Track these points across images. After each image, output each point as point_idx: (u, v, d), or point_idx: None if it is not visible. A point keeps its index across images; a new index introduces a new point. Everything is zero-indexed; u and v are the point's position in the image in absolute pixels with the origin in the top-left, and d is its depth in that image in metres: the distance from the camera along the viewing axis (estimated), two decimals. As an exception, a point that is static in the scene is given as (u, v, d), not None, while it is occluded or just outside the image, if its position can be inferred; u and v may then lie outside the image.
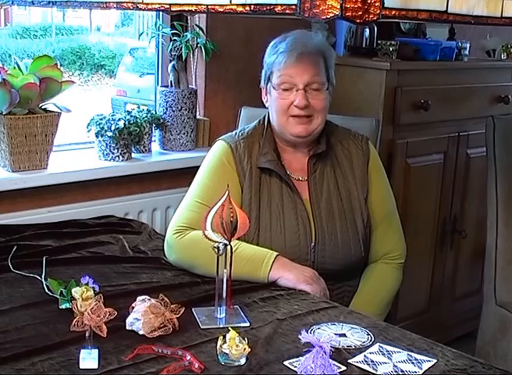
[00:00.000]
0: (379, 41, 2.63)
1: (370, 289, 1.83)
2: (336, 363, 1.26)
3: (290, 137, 1.80)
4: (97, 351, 1.28)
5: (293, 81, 1.75)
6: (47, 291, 1.56)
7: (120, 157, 2.36)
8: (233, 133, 1.89)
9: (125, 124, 2.34)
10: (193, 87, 2.60)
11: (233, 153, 1.82)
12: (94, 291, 1.36)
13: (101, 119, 2.36)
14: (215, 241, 1.43)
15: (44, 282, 1.61)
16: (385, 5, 0.91)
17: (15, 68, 2.13)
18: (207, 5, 1.10)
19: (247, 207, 1.77)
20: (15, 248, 1.83)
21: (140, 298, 1.43)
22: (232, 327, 1.31)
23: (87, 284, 1.39)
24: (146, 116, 2.46)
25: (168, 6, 1.16)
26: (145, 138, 2.47)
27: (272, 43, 1.82)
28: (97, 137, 2.36)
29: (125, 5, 1.23)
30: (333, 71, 1.82)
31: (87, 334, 1.27)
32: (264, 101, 1.86)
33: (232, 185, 1.73)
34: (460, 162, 2.89)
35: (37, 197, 2.20)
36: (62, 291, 1.51)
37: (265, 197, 1.80)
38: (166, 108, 2.51)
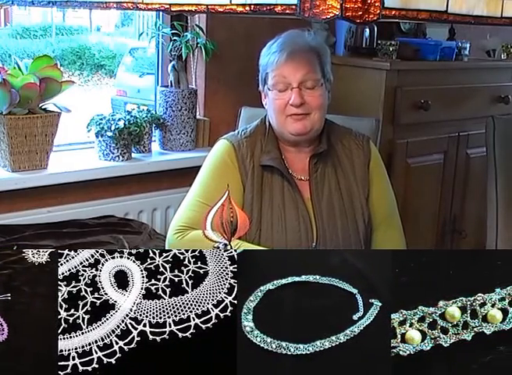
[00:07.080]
0: (379, 41, 2.63)
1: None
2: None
3: (290, 136, 1.80)
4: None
5: (286, 81, 1.74)
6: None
7: (120, 157, 2.37)
8: (236, 132, 1.89)
9: (125, 124, 2.34)
10: (193, 87, 2.60)
11: (236, 152, 1.81)
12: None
13: (101, 119, 2.36)
14: (215, 241, 1.43)
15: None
16: (385, 5, 0.91)
17: (15, 68, 2.14)
18: (207, 5, 1.10)
19: (248, 206, 1.77)
20: (15, 248, 1.83)
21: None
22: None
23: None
24: (146, 116, 2.46)
25: (168, 6, 1.16)
26: (145, 138, 2.47)
27: (266, 46, 1.81)
28: (97, 137, 2.36)
29: (125, 5, 1.23)
30: (329, 67, 1.81)
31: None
32: (264, 103, 1.85)
33: (234, 184, 1.73)
34: (460, 162, 2.89)
35: (37, 197, 2.20)
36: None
37: (267, 196, 1.79)
38: (166, 108, 2.51)
